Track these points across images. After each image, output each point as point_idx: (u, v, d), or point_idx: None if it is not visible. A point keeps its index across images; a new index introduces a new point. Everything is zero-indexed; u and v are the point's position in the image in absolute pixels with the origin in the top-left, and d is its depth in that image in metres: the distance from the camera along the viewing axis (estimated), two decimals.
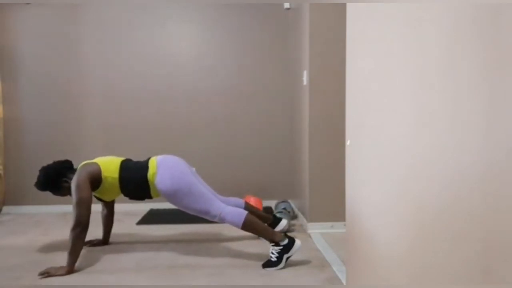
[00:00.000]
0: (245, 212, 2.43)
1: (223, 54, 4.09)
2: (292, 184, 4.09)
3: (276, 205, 3.65)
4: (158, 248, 2.76)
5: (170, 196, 2.44)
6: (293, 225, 3.32)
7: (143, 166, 2.51)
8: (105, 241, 2.86)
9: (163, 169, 2.46)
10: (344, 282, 2.14)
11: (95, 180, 2.45)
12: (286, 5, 4.00)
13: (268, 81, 4.11)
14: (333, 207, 3.09)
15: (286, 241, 2.38)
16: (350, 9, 1.73)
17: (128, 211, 3.96)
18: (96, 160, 2.54)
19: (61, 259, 2.55)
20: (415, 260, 1.16)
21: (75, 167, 2.66)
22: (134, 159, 4.04)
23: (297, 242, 2.39)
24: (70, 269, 2.30)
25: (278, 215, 3.17)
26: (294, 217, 3.60)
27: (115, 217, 3.74)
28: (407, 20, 1.19)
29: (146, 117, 4.07)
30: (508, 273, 0.78)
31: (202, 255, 2.62)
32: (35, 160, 4.01)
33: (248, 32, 4.08)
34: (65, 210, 4.01)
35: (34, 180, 3.96)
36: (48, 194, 3.99)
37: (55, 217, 3.79)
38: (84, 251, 2.71)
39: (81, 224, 2.32)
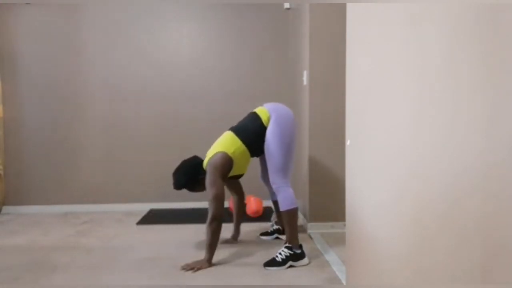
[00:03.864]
0: (297, 206, 2.49)
1: (224, 54, 4.09)
2: (292, 184, 4.08)
3: (276, 205, 3.64)
4: (158, 248, 2.76)
5: (270, 137, 2.46)
6: None
7: (253, 118, 2.55)
8: (236, 235, 2.87)
9: (277, 111, 2.51)
10: (344, 282, 2.14)
11: (227, 164, 2.47)
12: (286, 5, 4.00)
13: (268, 81, 4.11)
14: (333, 207, 3.09)
15: (299, 251, 2.42)
16: (350, 9, 1.73)
17: (128, 211, 3.96)
18: (213, 149, 2.53)
19: (61, 259, 2.56)
20: (415, 260, 1.16)
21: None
22: (135, 158, 4.06)
23: (306, 259, 2.44)
24: (210, 261, 2.39)
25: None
26: None
27: (116, 216, 3.75)
28: (407, 20, 1.19)
29: (146, 117, 4.07)
30: (508, 273, 0.78)
31: (202, 255, 2.61)
32: (35, 160, 4.01)
33: (248, 32, 4.08)
34: (65, 210, 4.01)
35: (34, 180, 3.99)
36: (47, 194, 4.01)
37: (55, 217, 3.79)
38: (83, 251, 2.71)
39: (217, 218, 2.39)
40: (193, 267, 2.34)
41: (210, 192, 2.40)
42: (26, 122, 4.01)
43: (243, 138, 2.51)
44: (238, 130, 2.56)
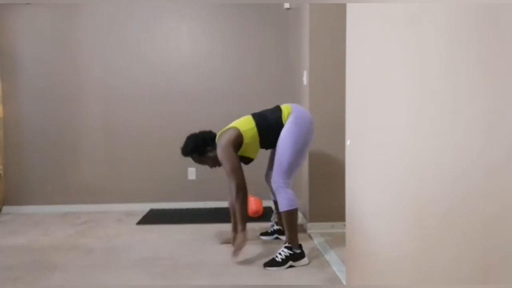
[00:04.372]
0: (297, 207, 2.49)
1: (223, 54, 4.09)
2: (292, 184, 4.08)
3: (276, 205, 3.64)
4: (158, 248, 2.76)
5: (285, 135, 2.46)
6: None
7: (275, 110, 2.57)
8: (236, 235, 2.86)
9: (297, 111, 2.51)
10: (344, 282, 2.14)
11: (237, 140, 2.51)
12: (286, 5, 4.00)
13: (268, 81, 4.11)
14: (333, 207, 3.09)
15: (299, 251, 2.43)
16: (350, 9, 1.73)
17: (128, 211, 3.96)
18: (229, 125, 2.59)
19: (61, 259, 2.56)
20: (415, 260, 1.16)
21: None
22: (135, 157, 4.06)
23: (306, 259, 2.44)
24: (245, 230, 2.44)
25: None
26: None
27: (116, 216, 3.74)
28: (407, 20, 1.19)
29: (146, 117, 4.07)
30: (508, 273, 0.78)
31: (202, 255, 2.61)
32: (35, 160, 4.01)
33: (248, 32, 4.08)
34: (65, 210, 4.01)
35: (34, 180, 3.99)
36: (47, 194, 4.01)
37: (55, 217, 3.79)
38: (83, 251, 2.71)
39: (242, 188, 2.44)
40: (239, 248, 2.40)
41: (227, 167, 2.44)
42: (26, 122, 4.01)
43: (258, 122, 2.54)
44: (256, 115, 2.60)
